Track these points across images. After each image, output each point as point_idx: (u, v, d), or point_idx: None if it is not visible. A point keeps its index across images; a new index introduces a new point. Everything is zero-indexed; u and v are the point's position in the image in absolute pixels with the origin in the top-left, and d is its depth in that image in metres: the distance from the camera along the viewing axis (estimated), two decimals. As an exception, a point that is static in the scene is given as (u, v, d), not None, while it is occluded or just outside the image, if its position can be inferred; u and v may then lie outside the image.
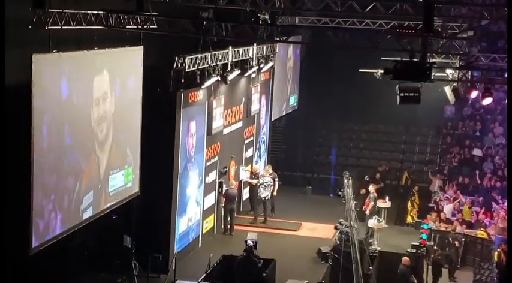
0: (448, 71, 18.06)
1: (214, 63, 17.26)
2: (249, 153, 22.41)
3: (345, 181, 16.54)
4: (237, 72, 18.75)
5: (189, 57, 16.00)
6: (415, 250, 17.40)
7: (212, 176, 19.21)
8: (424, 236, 18.27)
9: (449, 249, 18.25)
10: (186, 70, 16.01)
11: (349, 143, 28.64)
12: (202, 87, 17.30)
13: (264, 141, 24.08)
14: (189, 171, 17.50)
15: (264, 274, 15.34)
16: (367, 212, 19.49)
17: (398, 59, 11.93)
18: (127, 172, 15.24)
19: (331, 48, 24.28)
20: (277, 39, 17.51)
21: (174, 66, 15.65)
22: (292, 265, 17.34)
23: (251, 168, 21.99)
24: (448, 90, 18.60)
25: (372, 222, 18.76)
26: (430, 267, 17.40)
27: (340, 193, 16.68)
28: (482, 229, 19.52)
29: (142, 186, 15.81)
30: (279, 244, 19.12)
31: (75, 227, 13.34)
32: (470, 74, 17.82)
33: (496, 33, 18.76)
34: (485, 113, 26.91)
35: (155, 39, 15.39)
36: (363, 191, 20.99)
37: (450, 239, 18.42)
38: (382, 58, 14.40)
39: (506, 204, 19.84)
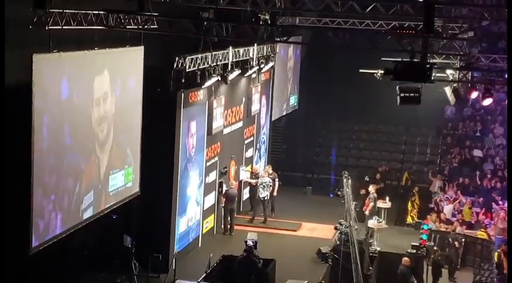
0: (449, 71, 18.07)
1: (215, 63, 17.27)
2: (249, 153, 22.40)
3: (344, 180, 16.56)
4: (237, 72, 18.76)
5: (189, 57, 16.02)
6: (415, 251, 17.40)
7: (212, 176, 19.21)
8: (424, 236, 18.29)
9: (449, 249, 18.24)
10: (187, 70, 16.02)
11: (349, 143, 28.62)
12: (203, 87, 17.31)
13: (264, 141, 24.07)
14: (189, 171, 17.50)
15: (264, 274, 15.33)
16: (367, 212, 19.48)
17: (399, 59, 11.91)
18: (127, 172, 15.25)
19: (331, 49, 24.33)
20: (278, 39, 17.56)
21: (175, 66, 15.66)
22: (292, 265, 17.33)
23: (251, 168, 21.97)
24: (448, 90, 18.58)
25: (372, 223, 18.74)
26: (430, 268, 17.37)
27: (339, 193, 16.70)
28: (482, 229, 19.53)
29: (142, 186, 15.81)
30: (279, 244, 19.11)
31: (75, 227, 13.34)
32: (470, 74, 17.80)
33: (497, 34, 18.81)
34: (485, 113, 26.93)
35: (156, 39, 15.39)
36: (363, 191, 20.99)
37: (450, 240, 18.40)
38: (382, 58, 14.37)
39: (506, 204, 19.83)
